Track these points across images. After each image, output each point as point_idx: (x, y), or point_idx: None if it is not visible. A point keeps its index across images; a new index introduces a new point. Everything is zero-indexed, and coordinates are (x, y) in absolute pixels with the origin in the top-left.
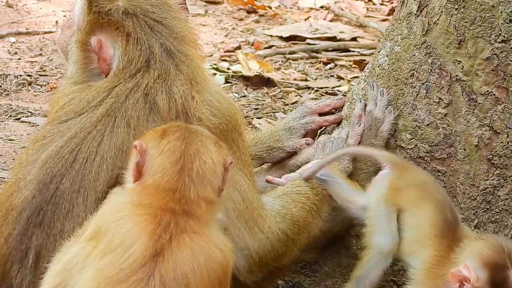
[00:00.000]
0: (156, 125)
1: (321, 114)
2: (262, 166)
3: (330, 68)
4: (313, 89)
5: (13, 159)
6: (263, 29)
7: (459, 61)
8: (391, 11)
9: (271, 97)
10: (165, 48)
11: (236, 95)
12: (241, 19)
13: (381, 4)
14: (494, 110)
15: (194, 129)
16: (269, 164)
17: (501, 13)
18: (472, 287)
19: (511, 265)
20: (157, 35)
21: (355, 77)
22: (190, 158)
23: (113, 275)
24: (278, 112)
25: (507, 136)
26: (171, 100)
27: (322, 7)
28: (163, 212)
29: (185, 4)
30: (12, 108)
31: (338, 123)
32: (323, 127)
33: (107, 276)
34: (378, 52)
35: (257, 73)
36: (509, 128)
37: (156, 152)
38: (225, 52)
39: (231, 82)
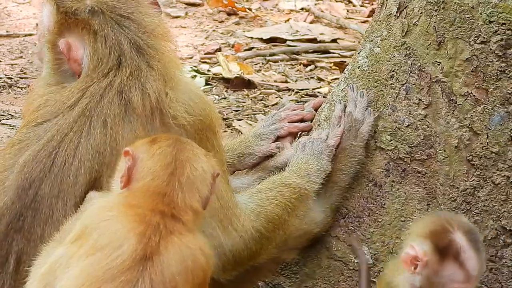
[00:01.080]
0: (132, 123)
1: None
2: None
3: (311, 70)
4: (293, 91)
5: None
6: (244, 31)
7: (438, 62)
8: (371, 13)
9: (251, 99)
10: (134, 44)
11: (217, 97)
12: (222, 21)
13: (361, 6)
14: (474, 111)
15: (184, 139)
16: None
17: (481, 14)
18: (423, 264)
19: (451, 227)
20: (125, 31)
21: (335, 79)
22: (181, 163)
23: (99, 274)
24: (259, 114)
25: (487, 137)
26: (145, 97)
27: (302, 9)
28: (152, 214)
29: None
30: None
31: (308, 131)
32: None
33: (93, 274)
34: (358, 53)
35: (238, 75)
36: (489, 129)
37: (147, 156)
38: (205, 54)
39: (211, 84)
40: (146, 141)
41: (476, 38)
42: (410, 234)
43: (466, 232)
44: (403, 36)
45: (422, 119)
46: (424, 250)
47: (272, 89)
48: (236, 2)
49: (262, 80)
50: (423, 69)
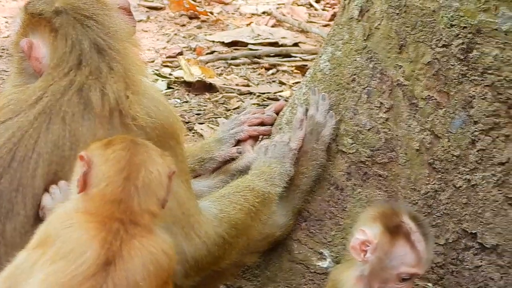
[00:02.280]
0: (91, 121)
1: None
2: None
3: (272, 74)
4: (255, 94)
5: None
6: (205, 35)
7: (400, 65)
8: (333, 17)
9: (213, 103)
10: (94, 44)
11: (178, 100)
12: (183, 25)
13: (323, 10)
14: (435, 115)
15: (140, 141)
16: None
17: (442, 17)
18: (374, 247)
19: (399, 211)
20: (87, 31)
21: (297, 82)
22: (136, 167)
23: (64, 282)
24: (220, 117)
25: (448, 141)
26: (104, 97)
27: (264, 12)
28: (111, 221)
29: (128, 6)
30: None
31: (268, 134)
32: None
33: (58, 282)
34: (320, 57)
35: (199, 79)
36: (450, 132)
37: (101, 161)
38: (167, 58)
39: (173, 88)
40: (101, 144)
41: (437, 42)
42: (357, 223)
43: (413, 218)
44: (364, 39)
45: (383, 123)
46: (374, 233)
47: (233, 92)
48: (198, 6)
49: (224, 84)
50: (384, 73)
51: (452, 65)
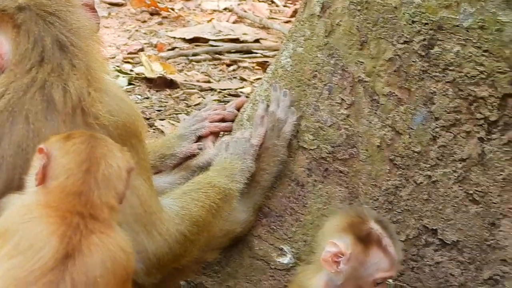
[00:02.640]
0: (54, 120)
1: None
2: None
3: (233, 70)
4: (216, 90)
5: None
6: (166, 31)
7: (361, 62)
8: (294, 13)
9: (174, 99)
10: (56, 41)
11: (139, 97)
12: (144, 21)
13: (284, 6)
14: (396, 111)
15: (99, 135)
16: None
17: (404, 14)
18: (347, 257)
19: (366, 217)
20: (49, 27)
21: (258, 79)
22: (96, 160)
23: (22, 277)
24: (181, 113)
25: (409, 137)
26: (67, 95)
27: (225, 9)
28: (71, 215)
29: (92, 3)
30: None
31: (229, 130)
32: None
33: (16, 277)
34: (281, 53)
35: (160, 75)
36: (411, 128)
37: (61, 154)
38: (128, 54)
39: (134, 84)
40: (60, 137)
41: (399, 38)
42: (324, 235)
43: (378, 221)
44: (326, 36)
45: (344, 119)
46: (346, 244)
47: (194, 89)
48: (159, 2)
49: (185, 80)
50: (346, 69)
51: (413, 61)
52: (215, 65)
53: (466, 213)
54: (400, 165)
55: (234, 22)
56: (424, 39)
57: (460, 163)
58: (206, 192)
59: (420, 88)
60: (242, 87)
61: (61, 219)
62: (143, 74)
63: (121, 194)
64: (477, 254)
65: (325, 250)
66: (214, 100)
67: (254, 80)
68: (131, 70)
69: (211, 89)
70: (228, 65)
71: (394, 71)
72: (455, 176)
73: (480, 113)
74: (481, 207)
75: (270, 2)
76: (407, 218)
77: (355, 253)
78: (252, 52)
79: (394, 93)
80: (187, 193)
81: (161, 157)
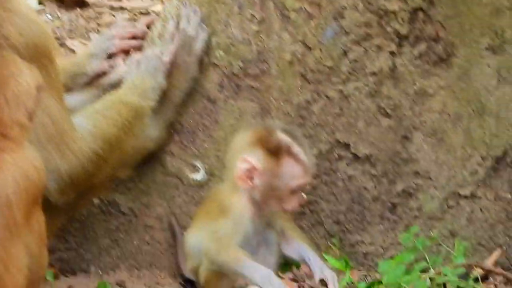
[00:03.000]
0: None
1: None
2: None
3: None
4: (126, 9)
5: None
6: None
7: None
8: None
9: (85, 18)
10: None
11: (50, 16)
12: None
13: None
14: (307, 26)
15: (7, 54)
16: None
17: None
18: (260, 172)
19: (272, 129)
20: None
21: None
22: (5, 79)
23: None
24: (92, 32)
25: (320, 52)
26: None
27: None
28: None
29: None
30: None
31: (139, 48)
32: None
33: None
34: None
35: None
36: (322, 43)
37: None
38: None
39: (44, 4)
40: None
41: None
42: (234, 151)
43: (285, 131)
44: None
45: (255, 35)
46: (257, 158)
47: (105, 8)
48: None
49: None
50: None
51: None
52: None
53: (378, 126)
54: (312, 80)
55: None
56: None
57: (372, 77)
58: (118, 110)
59: (330, 3)
60: (153, 5)
61: None
62: None
63: (31, 112)
64: (390, 168)
65: (237, 168)
66: (125, 18)
67: None
68: None
69: (122, 8)
70: None
71: None
72: (366, 90)
73: (391, 27)
74: (393, 121)
75: None
76: (319, 132)
77: (267, 166)
78: None
79: (304, 8)
80: (99, 111)
81: (72, 76)
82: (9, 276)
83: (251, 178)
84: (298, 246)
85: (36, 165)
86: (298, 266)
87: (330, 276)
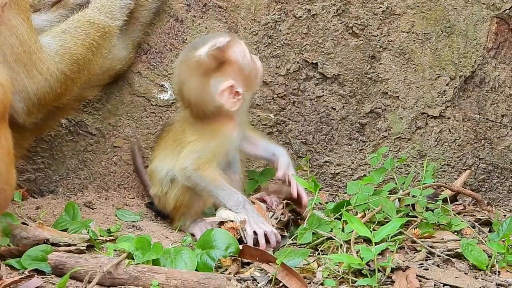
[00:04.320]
0: None
1: None
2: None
3: None
4: None
5: None
6: None
7: None
8: None
9: None
10: None
11: None
12: None
13: None
14: None
15: None
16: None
17: None
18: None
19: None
20: None
21: None
22: None
23: None
24: None
25: None
26: None
27: None
28: None
29: None
30: None
31: None
32: None
33: None
34: None
35: None
36: None
37: None
38: None
39: None
40: None
41: None
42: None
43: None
44: None
45: None
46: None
47: None
48: None
49: None
50: None
51: None
52: None
53: (346, 46)
54: None
55: None
56: None
57: None
58: (86, 30)
59: None
60: None
61: None
62: None
63: None
64: (358, 88)
65: (217, 88)
66: None
67: None
68: None
69: None
70: None
71: None
72: (334, 9)
73: None
74: (361, 40)
75: None
76: (287, 52)
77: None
78: None
79: None
80: (67, 31)
81: None
82: None
83: (237, 93)
84: (263, 144)
85: (1, 81)
86: (262, 182)
87: (292, 172)
